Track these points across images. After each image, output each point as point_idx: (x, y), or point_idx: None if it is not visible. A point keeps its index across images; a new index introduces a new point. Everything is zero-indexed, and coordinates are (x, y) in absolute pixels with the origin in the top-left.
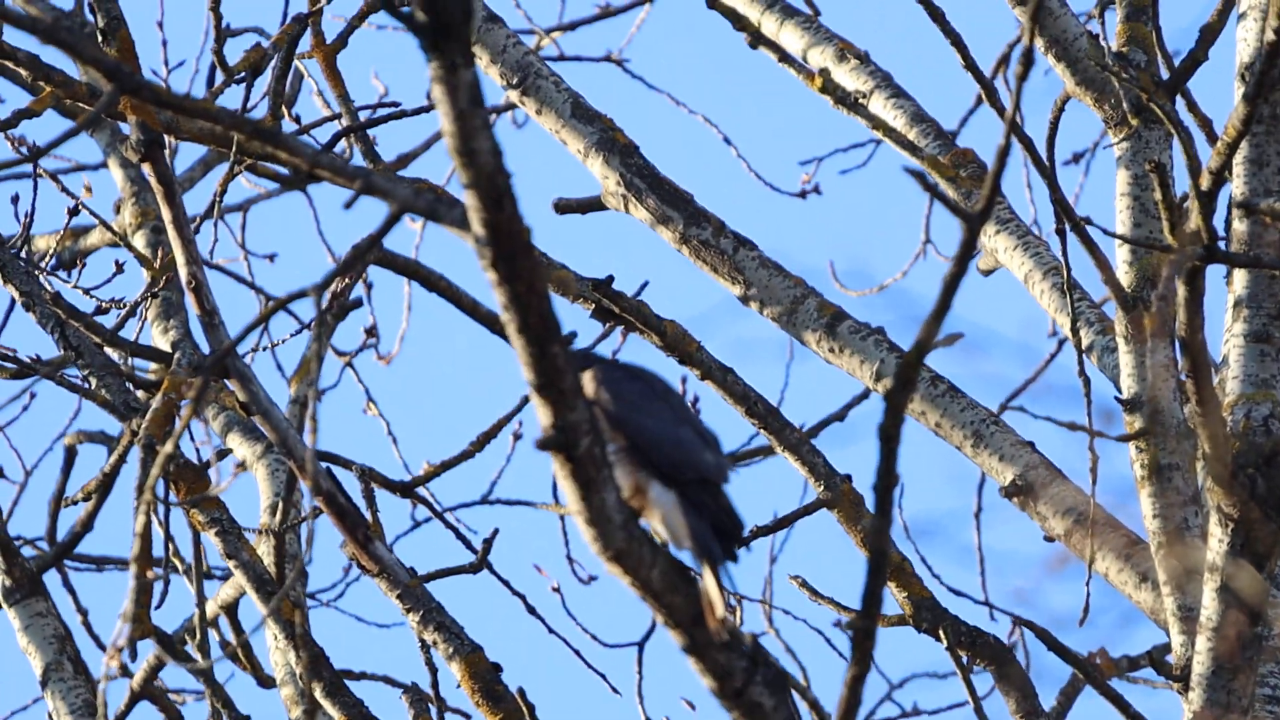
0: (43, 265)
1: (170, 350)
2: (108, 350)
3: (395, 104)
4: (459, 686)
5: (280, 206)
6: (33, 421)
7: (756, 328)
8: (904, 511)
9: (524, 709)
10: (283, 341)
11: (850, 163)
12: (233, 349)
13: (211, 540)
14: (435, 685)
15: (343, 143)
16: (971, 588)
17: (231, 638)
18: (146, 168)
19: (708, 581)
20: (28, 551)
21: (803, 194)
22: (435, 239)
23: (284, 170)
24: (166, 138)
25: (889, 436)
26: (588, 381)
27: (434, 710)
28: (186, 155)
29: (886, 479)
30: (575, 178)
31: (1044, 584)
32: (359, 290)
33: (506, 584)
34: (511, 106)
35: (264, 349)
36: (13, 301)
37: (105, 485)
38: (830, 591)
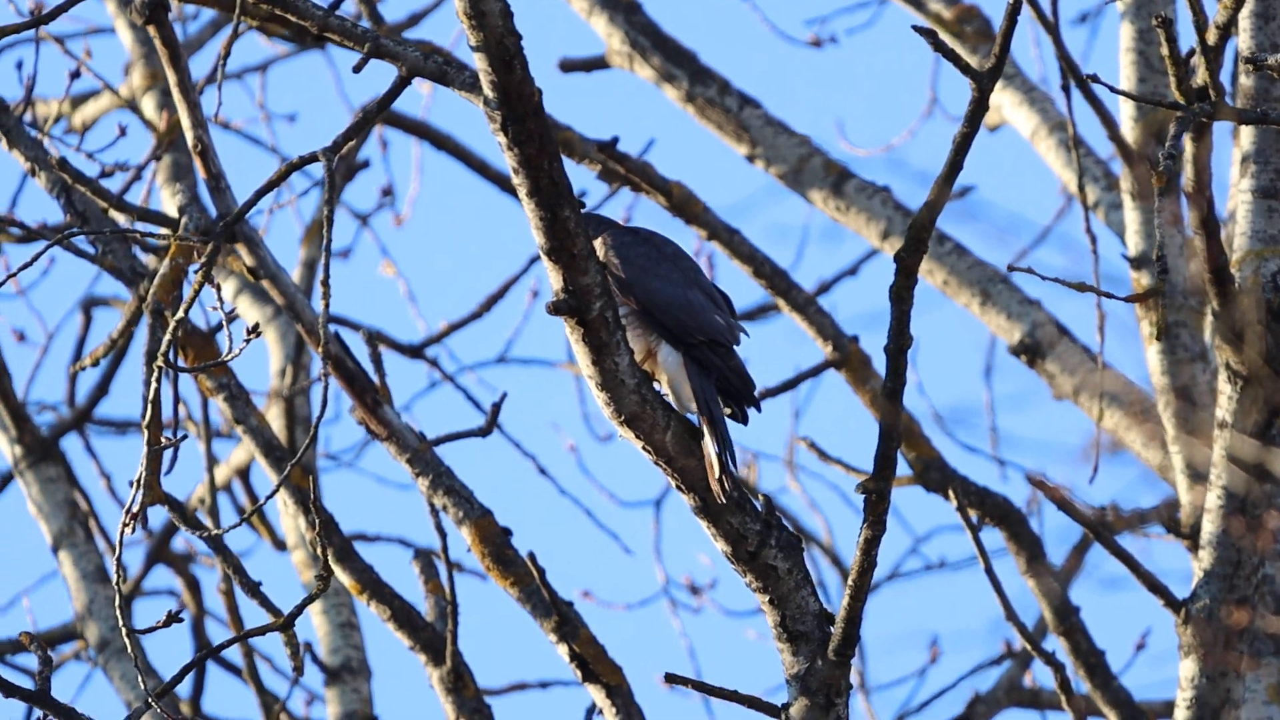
0: (47, 130)
1: (177, 215)
2: (114, 215)
3: None
4: (469, 550)
5: (301, 66)
6: (52, 286)
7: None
8: (916, 377)
9: (534, 572)
10: (294, 201)
11: (856, 22)
12: (240, 217)
13: (220, 406)
14: (445, 549)
15: (351, 3)
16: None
17: (245, 501)
18: (151, 30)
19: (708, 443)
20: (48, 418)
21: (816, 42)
22: (444, 102)
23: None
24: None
25: (900, 298)
26: (598, 245)
27: (444, 573)
28: (200, 20)
29: (899, 340)
30: (579, 37)
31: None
32: (373, 152)
33: (517, 445)
34: None
35: (276, 209)
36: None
37: (114, 350)
38: (847, 452)
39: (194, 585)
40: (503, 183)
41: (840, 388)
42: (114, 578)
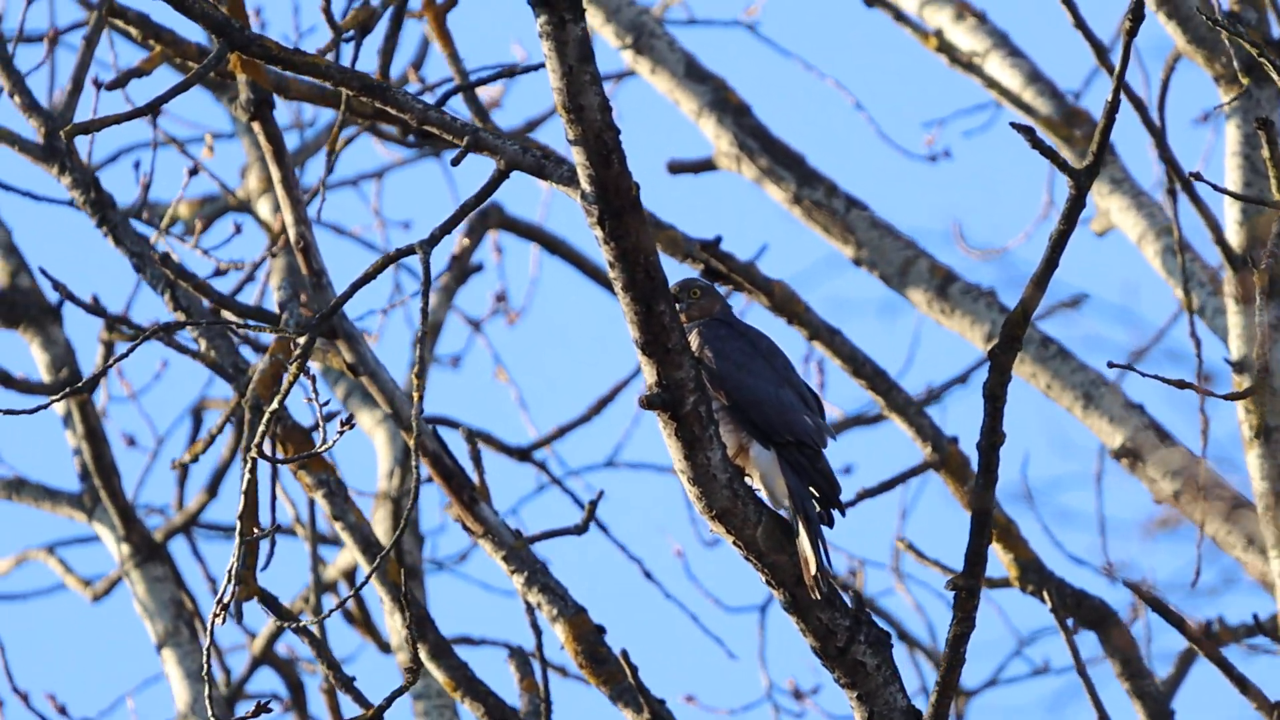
0: (165, 229)
1: (279, 311)
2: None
3: (513, 65)
4: (563, 648)
5: (416, 174)
6: (164, 390)
7: (862, 287)
8: (1014, 476)
9: (627, 670)
10: (404, 301)
11: (972, 124)
12: (337, 309)
13: (319, 502)
14: (540, 647)
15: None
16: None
17: (351, 604)
18: (255, 126)
19: (803, 540)
20: (157, 520)
21: (933, 158)
22: (560, 207)
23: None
24: (276, 98)
25: (994, 395)
26: (691, 338)
27: (539, 671)
28: (317, 126)
29: (991, 437)
30: (688, 140)
31: (1148, 547)
32: (488, 258)
33: (622, 547)
34: (625, 74)
35: (388, 310)
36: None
37: (217, 450)
38: (948, 555)
39: (298, 687)
40: (612, 285)
41: (943, 491)
42: (203, 670)
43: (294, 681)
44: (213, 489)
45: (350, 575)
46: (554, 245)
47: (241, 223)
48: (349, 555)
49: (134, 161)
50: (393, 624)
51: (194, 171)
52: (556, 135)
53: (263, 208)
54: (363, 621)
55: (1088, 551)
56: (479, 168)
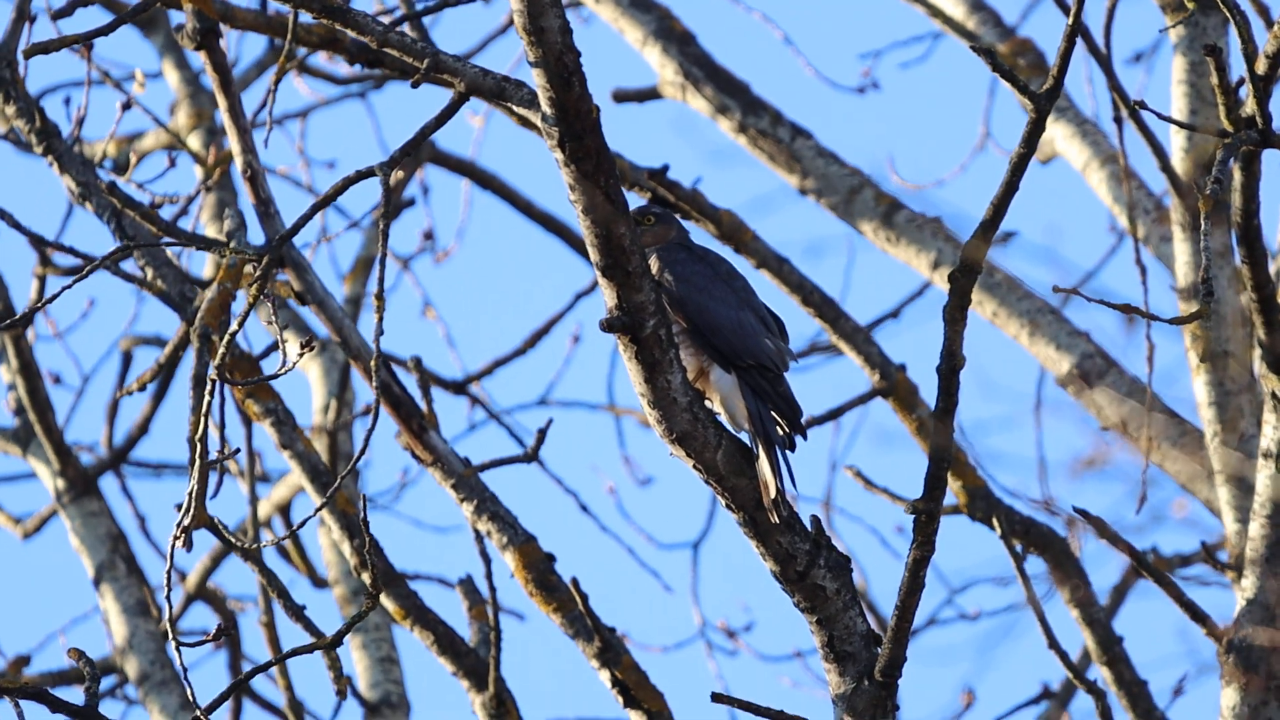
0: (97, 164)
1: (225, 239)
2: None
3: None
4: (512, 577)
5: (340, 115)
6: (91, 328)
7: (811, 221)
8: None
9: (577, 598)
10: (335, 236)
11: (909, 56)
12: (296, 231)
13: (266, 431)
14: (489, 575)
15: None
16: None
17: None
18: (202, 56)
19: (763, 463)
20: (86, 458)
21: (860, 89)
22: (491, 142)
23: (338, 72)
24: (222, 28)
25: (954, 319)
26: (651, 262)
27: (488, 600)
28: (243, 60)
29: (951, 361)
30: (633, 69)
31: (1078, 484)
32: (415, 193)
33: (559, 481)
34: (569, 3)
35: (319, 244)
36: (71, 203)
37: (161, 375)
38: (887, 483)
39: (232, 623)
40: (546, 222)
41: (879, 424)
42: (162, 596)
43: (228, 617)
44: (144, 425)
45: (283, 509)
46: (485, 180)
47: (174, 157)
48: (280, 490)
49: (64, 98)
50: (330, 556)
51: (127, 105)
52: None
53: (193, 142)
54: (298, 554)
55: (1026, 482)
56: (400, 108)
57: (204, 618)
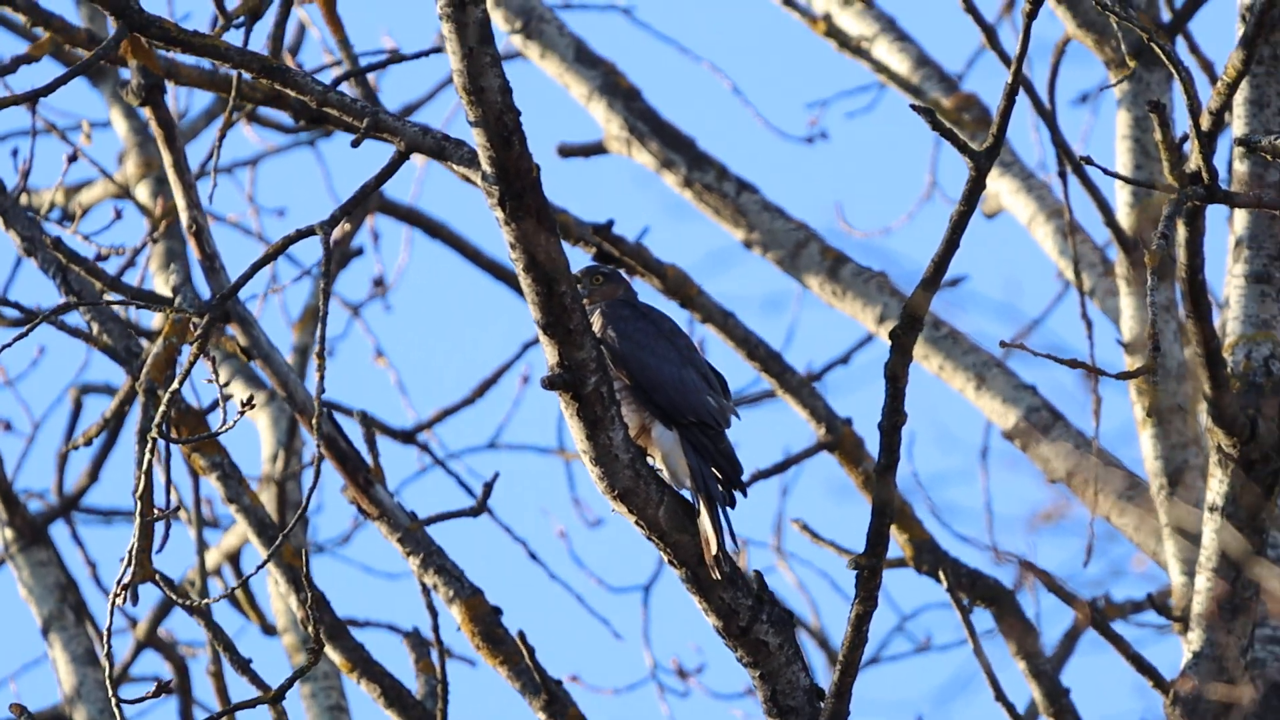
0: (43, 215)
1: (171, 295)
2: (109, 296)
3: (395, 50)
4: (459, 630)
5: (290, 162)
6: (42, 376)
7: (759, 277)
8: (908, 461)
9: (524, 650)
10: (284, 287)
11: (855, 106)
12: (237, 290)
13: (213, 485)
14: (436, 628)
15: (345, 87)
16: (973, 536)
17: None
18: (147, 111)
19: (704, 520)
20: (36, 505)
21: (809, 139)
22: (433, 191)
23: (288, 121)
24: (166, 83)
25: (895, 376)
26: (595, 319)
27: (435, 654)
28: (192, 110)
29: (894, 418)
30: (578, 124)
31: (1034, 537)
32: (366, 242)
33: (508, 529)
34: (514, 55)
35: (268, 295)
36: (19, 255)
37: (107, 429)
38: (835, 535)
39: (183, 670)
40: (494, 269)
41: (828, 473)
42: (102, 652)
43: (179, 665)
44: (94, 473)
45: (233, 558)
46: (433, 229)
47: (121, 209)
48: (230, 539)
49: (12, 149)
50: (279, 605)
51: (73, 158)
52: (433, 121)
53: (141, 192)
54: (248, 603)
55: (975, 534)
56: (350, 152)
57: (155, 665)
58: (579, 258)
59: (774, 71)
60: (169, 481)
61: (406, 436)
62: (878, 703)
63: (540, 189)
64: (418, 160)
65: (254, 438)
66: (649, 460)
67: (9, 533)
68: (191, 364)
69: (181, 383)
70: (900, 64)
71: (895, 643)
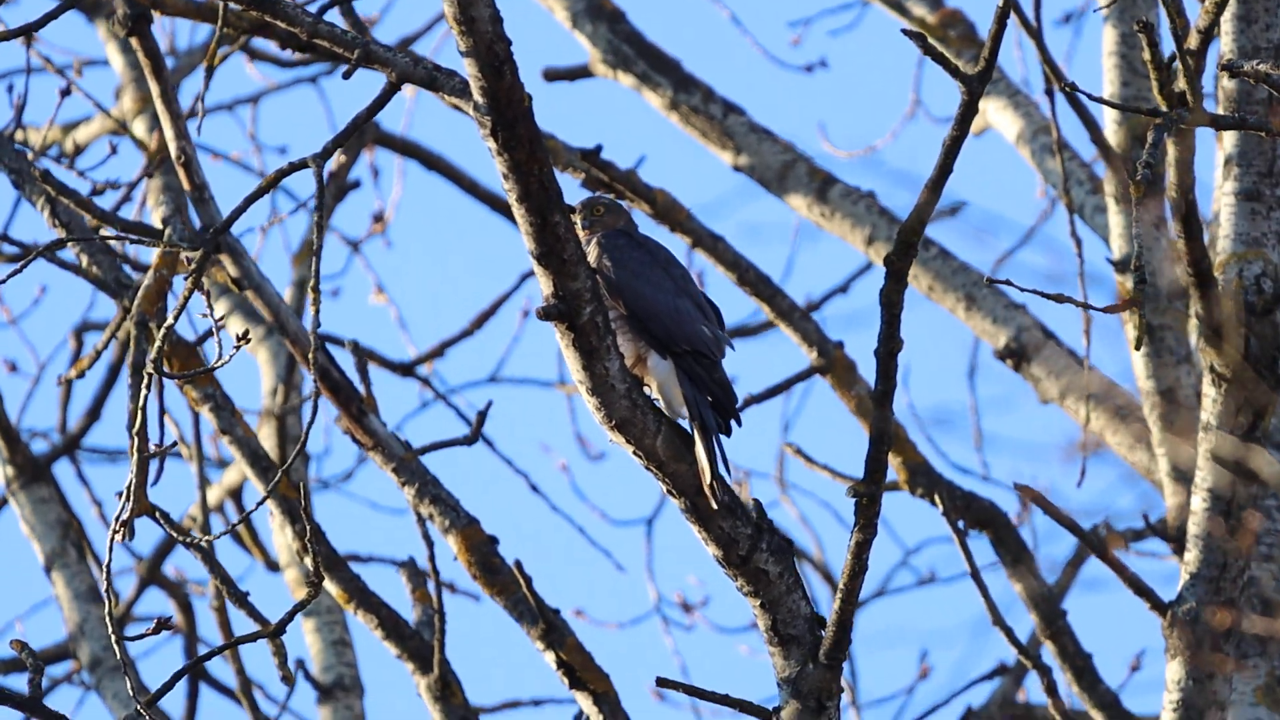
0: (40, 152)
1: (162, 227)
2: (104, 230)
3: None
4: (455, 559)
5: (291, 100)
6: (45, 315)
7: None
8: (902, 384)
9: (520, 580)
10: (282, 219)
11: (839, 24)
12: (231, 223)
13: (206, 417)
14: (432, 558)
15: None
16: (968, 459)
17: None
18: (134, 42)
19: (700, 449)
20: (41, 445)
21: (808, 68)
22: (426, 123)
23: (287, 56)
24: (153, 13)
25: (891, 302)
26: (591, 249)
27: (431, 584)
28: (191, 44)
29: (889, 344)
30: (563, 47)
31: (1069, 469)
32: (364, 175)
33: (509, 462)
34: None
35: (266, 228)
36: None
37: (104, 370)
38: (834, 462)
39: (187, 607)
40: (492, 201)
41: (828, 400)
42: (103, 587)
43: (183, 602)
44: (95, 411)
45: (235, 494)
46: (430, 161)
47: (117, 144)
48: (232, 475)
49: (7, 85)
50: (281, 540)
51: (66, 92)
52: (425, 53)
53: (138, 128)
54: (251, 539)
55: (968, 448)
56: (353, 90)
57: (159, 602)
58: (567, 183)
59: None
60: (164, 416)
61: (406, 370)
62: (881, 636)
63: (533, 118)
64: (408, 91)
65: (254, 372)
66: (645, 390)
67: (10, 470)
68: (186, 297)
69: (177, 317)
70: None
71: (900, 576)
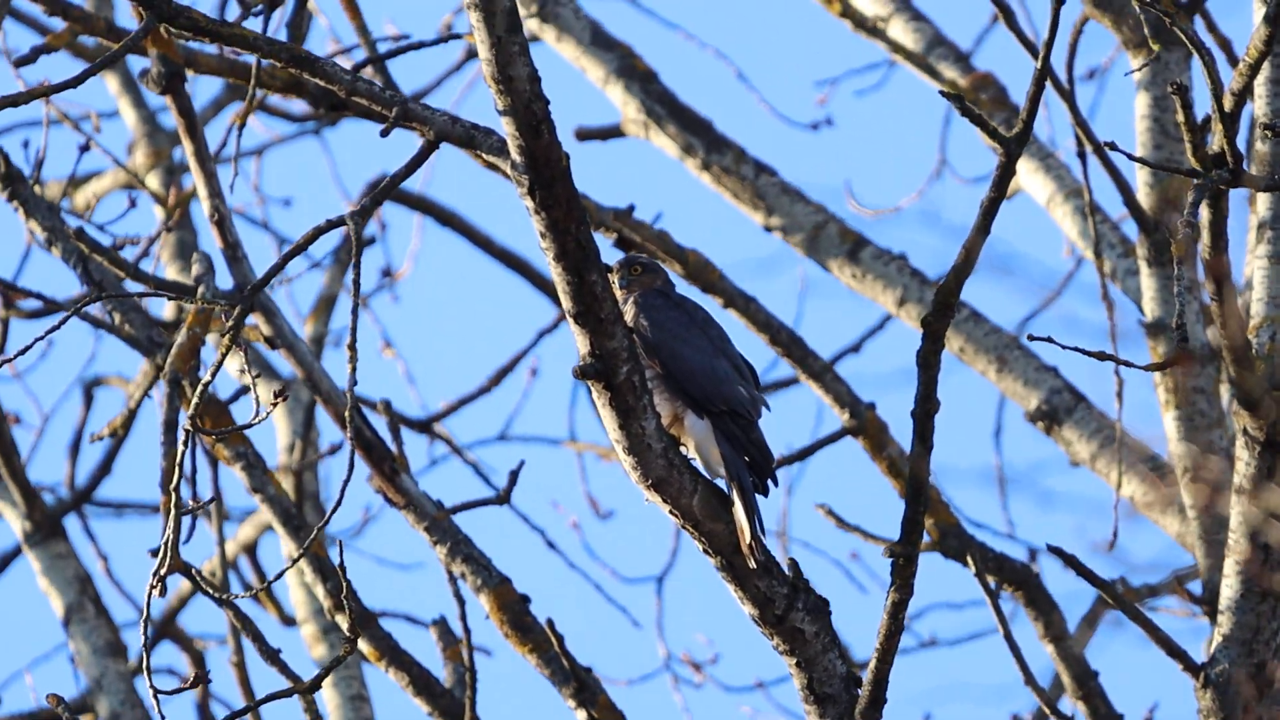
0: (56, 204)
1: (193, 284)
2: (134, 287)
3: (409, 36)
4: (487, 618)
5: (295, 153)
6: (49, 368)
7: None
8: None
9: (553, 639)
10: (293, 279)
11: (865, 84)
12: (269, 280)
13: (237, 475)
14: (464, 617)
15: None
16: (993, 517)
17: (252, 577)
18: (168, 100)
19: (739, 509)
20: (48, 498)
21: (814, 125)
22: (441, 180)
23: (295, 110)
24: (187, 71)
25: (928, 363)
26: (628, 308)
27: (463, 643)
28: (199, 99)
29: (926, 404)
30: (595, 107)
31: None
32: (373, 230)
33: (525, 519)
34: (531, 39)
35: (280, 284)
36: (30, 241)
37: (130, 421)
38: (853, 520)
39: (200, 663)
40: (505, 258)
41: (839, 459)
42: (140, 641)
43: (196, 657)
44: (107, 465)
45: (249, 549)
46: (444, 217)
47: (134, 197)
48: (248, 529)
49: (23, 141)
50: (298, 596)
51: (85, 148)
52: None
53: (152, 181)
54: (266, 594)
55: (995, 511)
56: (359, 141)
57: (171, 656)
58: (600, 242)
59: (783, 52)
60: (194, 473)
61: (421, 426)
62: (909, 696)
63: (570, 178)
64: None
65: (269, 429)
66: (682, 449)
67: (27, 525)
68: (224, 354)
69: (215, 374)
70: (915, 44)
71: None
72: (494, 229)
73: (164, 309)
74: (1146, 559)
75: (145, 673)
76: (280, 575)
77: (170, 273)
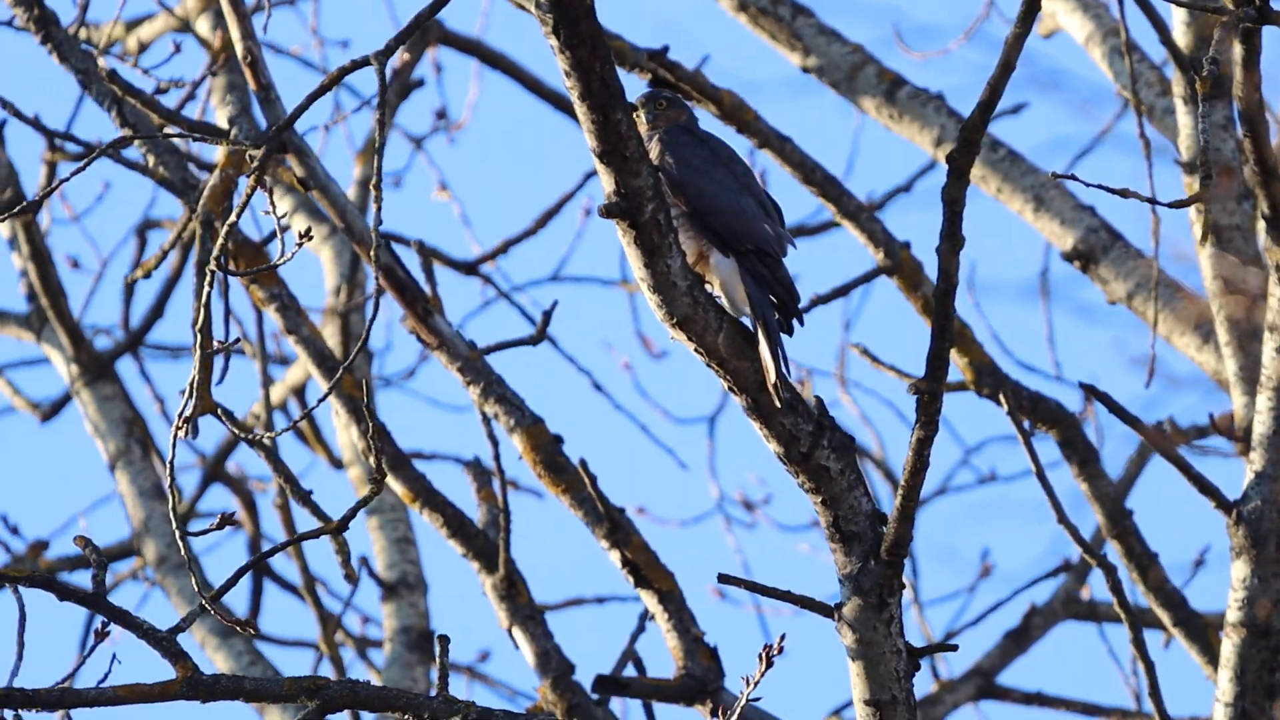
0: (102, 50)
1: (228, 126)
2: (167, 129)
3: None
4: (520, 458)
5: None
6: (108, 212)
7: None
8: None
9: (585, 478)
10: (346, 117)
11: None
12: (294, 120)
13: (271, 316)
14: (497, 457)
15: None
16: (1037, 358)
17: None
18: None
19: (763, 347)
20: (104, 341)
21: None
22: (497, 23)
23: None
24: None
25: (953, 200)
26: (653, 145)
27: (496, 482)
28: None
29: (951, 241)
30: None
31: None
32: (428, 74)
33: (571, 360)
34: None
35: (329, 127)
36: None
37: (169, 267)
38: (898, 362)
39: (250, 504)
40: (557, 100)
41: (890, 301)
42: (166, 484)
43: (246, 499)
44: (159, 308)
45: (298, 392)
46: (495, 60)
47: (180, 42)
48: (295, 373)
49: None
50: (345, 439)
51: None
52: None
53: (201, 26)
54: (314, 437)
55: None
56: None
57: (223, 499)
58: (634, 84)
59: None
60: (228, 314)
61: (469, 268)
62: (943, 536)
63: (594, 15)
64: None
65: (318, 271)
66: (707, 287)
67: (75, 368)
68: (249, 195)
69: (240, 214)
70: None
71: (961, 475)
72: (546, 71)
73: (216, 153)
74: (1185, 405)
75: (172, 513)
76: (305, 416)
77: (219, 116)
